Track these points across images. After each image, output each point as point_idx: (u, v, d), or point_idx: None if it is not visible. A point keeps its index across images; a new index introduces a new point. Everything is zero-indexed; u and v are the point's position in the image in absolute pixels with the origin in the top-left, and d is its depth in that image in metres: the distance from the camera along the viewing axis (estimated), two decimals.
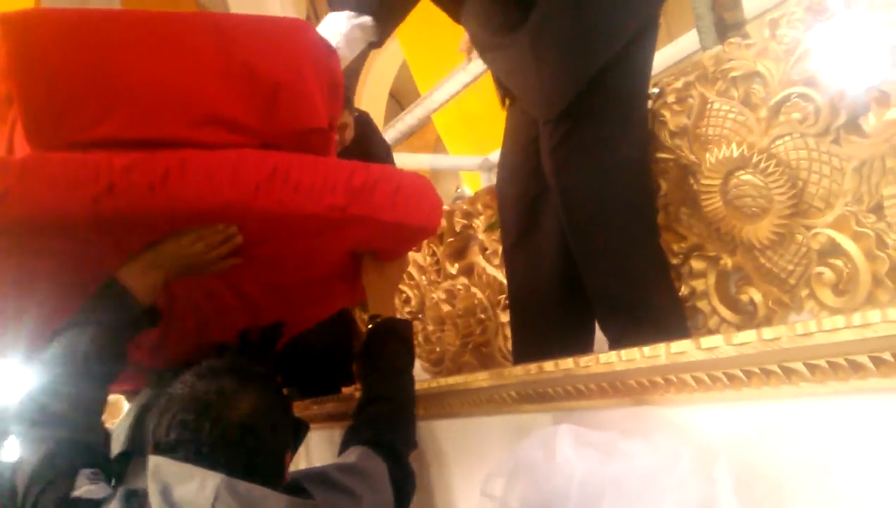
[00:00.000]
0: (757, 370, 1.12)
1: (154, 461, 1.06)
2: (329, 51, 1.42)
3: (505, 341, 1.92)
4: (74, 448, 1.17)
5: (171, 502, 1.01)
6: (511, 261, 1.72)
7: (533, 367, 1.42)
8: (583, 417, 1.39)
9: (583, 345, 1.60)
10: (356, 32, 1.51)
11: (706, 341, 1.13)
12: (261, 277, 1.52)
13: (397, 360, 1.50)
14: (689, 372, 1.19)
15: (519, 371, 1.47)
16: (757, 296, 1.42)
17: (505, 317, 1.91)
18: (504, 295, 1.91)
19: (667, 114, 1.51)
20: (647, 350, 1.21)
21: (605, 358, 1.28)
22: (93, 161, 1.16)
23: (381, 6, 1.53)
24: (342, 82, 1.44)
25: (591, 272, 1.52)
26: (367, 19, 1.51)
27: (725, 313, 1.47)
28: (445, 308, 2.06)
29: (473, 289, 1.99)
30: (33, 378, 1.22)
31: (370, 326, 1.55)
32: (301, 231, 1.36)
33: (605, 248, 1.49)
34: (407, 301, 2.20)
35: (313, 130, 1.35)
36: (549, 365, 1.38)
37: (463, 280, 2.02)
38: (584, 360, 1.32)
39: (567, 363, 1.34)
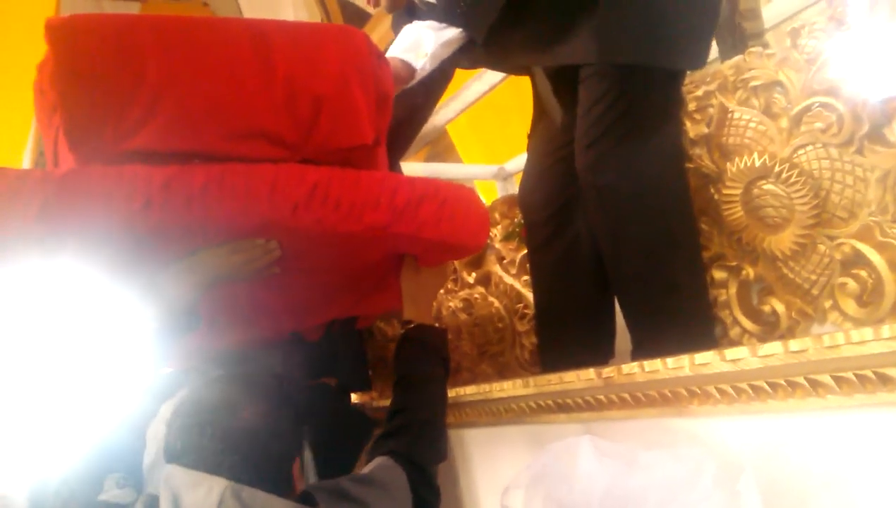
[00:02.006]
0: (783, 382, 1.11)
1: (167, 469, 1.09)
2: (379, 61, 1.37)
3: (522, 350, 1.90)
4: (106, 452, 1.18)
5: None
6: (536, 267, 1.70)
7: (553, 378, 1.41)
8: (604, 428, 1.37)
9: (605, 351, 1.58)
10: (442, 50, 1.47)
11: (731, 352, 1.12)
12: (301, 283, 1.49)
13: (427, 368, 1.46)
14: (713, 383, 1.18)
15: (540, 381, 1.45)
16: (779, 307, 1.39)
17: (522, 327, 1.90)
18: (521, 304, 1.90)
19: (687, 123, 1.50)
20: (670, 361, 1.19)
21: (628, 369, 1.26)
22: (130, 176, 1.15)
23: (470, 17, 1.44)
24: (391, 94, 1.38)
25: (623, 275, 1.49)
26: (454, 32, 1.45)
27: (747, 324, 1.45)
28: (462, 317, 2.05)
29: (490, 299, 1.98)
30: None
31: (402, 332, 1.52)
32: (342, 246, 1.33)
33: (641, 249, 1.45)
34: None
35: (357, 147, 1.30)
36: (570, 376, 1.37)
37: (480, 289, 2.01)
38: (606, 371, 1.30)
39: (588, 373, 1.33)
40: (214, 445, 1.08)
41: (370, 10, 1.82)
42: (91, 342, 1.24)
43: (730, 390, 1.17)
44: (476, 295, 2.00)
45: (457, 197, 1.39)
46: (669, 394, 1.25)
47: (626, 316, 1.51)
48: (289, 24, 1.44)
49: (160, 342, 1.26)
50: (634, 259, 1.48)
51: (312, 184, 1.22)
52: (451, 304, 2.08)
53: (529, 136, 1.73)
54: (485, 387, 1.63)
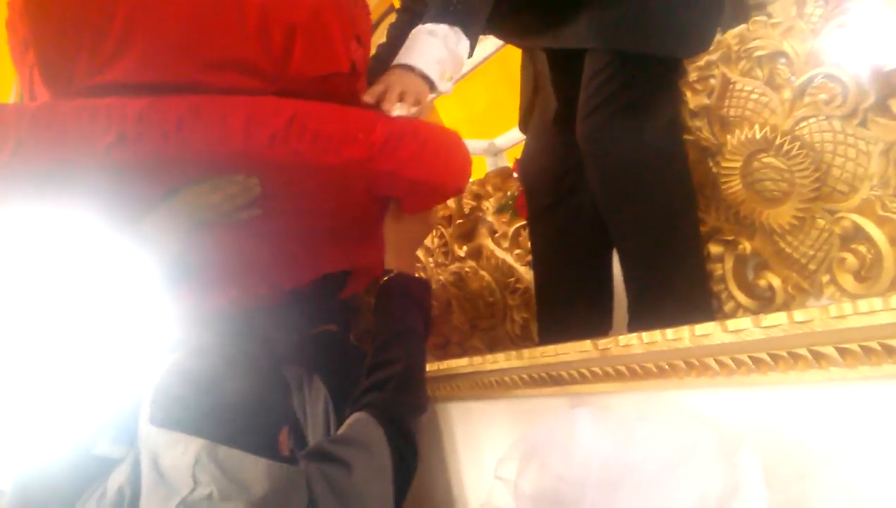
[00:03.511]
0: (784, 353, 1.08)
1: (147, 429, 1.09)
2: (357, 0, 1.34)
3: (513, 325, 1.87)
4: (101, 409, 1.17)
5: (159, 469, 1.05)
6: (536, 236, 1.68)
7: (548, 349, 1.38)
8: (597, 401, 1.35)
9: (603, 323, 1.56)
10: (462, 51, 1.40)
11: (733, 323, 1.09)
12: (289, 227, 1.45)
13: (406, 320, 1.40)
14: (712, 355, 1.15)
15: (534, 353, 1.42)
16: (776, 282, 1.37)
17: (513, 301, 1.87)
18: (513, 278, 1.87)
19: (687, 93, 1.46)
20: (669, 332, 1.16)
21: (625, 341, 1.23)
22: (105, 109, 1.12)
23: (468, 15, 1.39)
24: (369, 28, 1.36)
25: (623, 246, 1.48)
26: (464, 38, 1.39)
27: (742, 298, 1.43)
28: (452, 290, 2.02)
29: (482, 272, 1.94)
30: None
31: (382, 281, 1.46)
32: (322, 184, 1.30)
33: (639, 220, 1.44)
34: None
35: (334, 75, 1.26)
36: (565, 348, 1.34)
37: (471, 263, 1.97)
38: (602, 343, 1.27)
39: (585, 345, 1.30)
40: (197, 415, 1.08)
41: None
42: (78, 293, 1.20)
43: (729, 362, 1.14)
44: (467, 269, 1.97)
45: (439, 136, 1.37)
46: (667, 366, 1.23)
47: (626, 287, 1.49)
48: None
49: (153, 293, 1.22)
50: (633, 229, 1.47)
51: (289, 116, 1.19)
52: (442, 278, 2.04)
53: (527, 110, 1.69)
54: (477, 359, 1.60)
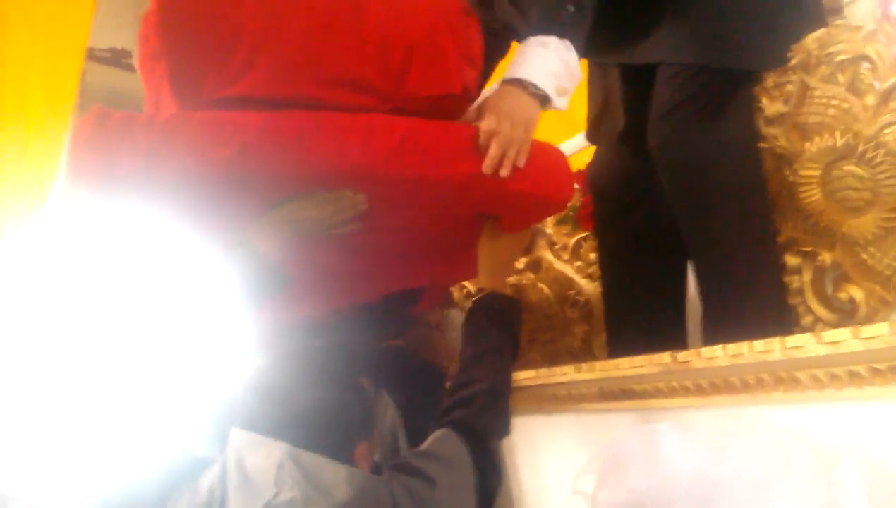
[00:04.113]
0: (883, 367, 1.03)
1: (233, 432, 1.13)
2: (468, 19, 1.33)
3: (573, 339, 1.83)
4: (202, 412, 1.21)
5: (244, 472, 1.07)
6: (605, 246, 1.65)
7: (622, 362, 1.33)
8: (675, 417, 1.30)
9: (676, 335, 1.51)
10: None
11: (829, 335, 1.04)
12: (386, 242, 1.46)
13: (494, 340, 1.38)
14: (805, 369, 1.10)
15: (606, 366, 1.38)
16: (857, 294, 1.31)
17: (573, 314, 1.83)
18: (573, 291, 1.83)
19: (763, 99, 1.42)
20: (758, 344, 1.12)
21: (708, 353, 1.19)
22: (229, 121, 1.16)
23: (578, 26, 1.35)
24: (481, 51, 1.34)
25: (697, 255, 1.44)
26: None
27: (821, 312, 1.37)
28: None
29: (540, 285, 1.91)
30: None
31: (473, 300, 1.44)
32: (428, 201, 1.31)
33: (714, 227, 1.40)
34: (468, 296, 2.12)
35: (446, 96, 1.27)
36: (640, 360, 1.29)
37: (529, 275, 1.94)
38: (682, 355, 1.23)
39: (663, 358, 1.25)
40: (279, 421, 1.11)
41: None
42: (179, 297, 1.21)
43: (822, 376, 1.09)
44: (525, 281, 1.93)
45: (542, 149, 1.35)
46: (752, 381, 1.18)
47: (701, 298, 1.44)
48: None
49: (249, 302, 1.22)
50: (706, 238, 1.43)
51: (403, 132, 1.21)
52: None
53: (596, 121, 1.66)
54: (544, 371, 1.56)
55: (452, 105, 1.29)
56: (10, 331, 2.16)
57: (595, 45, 1.39)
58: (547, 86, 1.30)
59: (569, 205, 1.78)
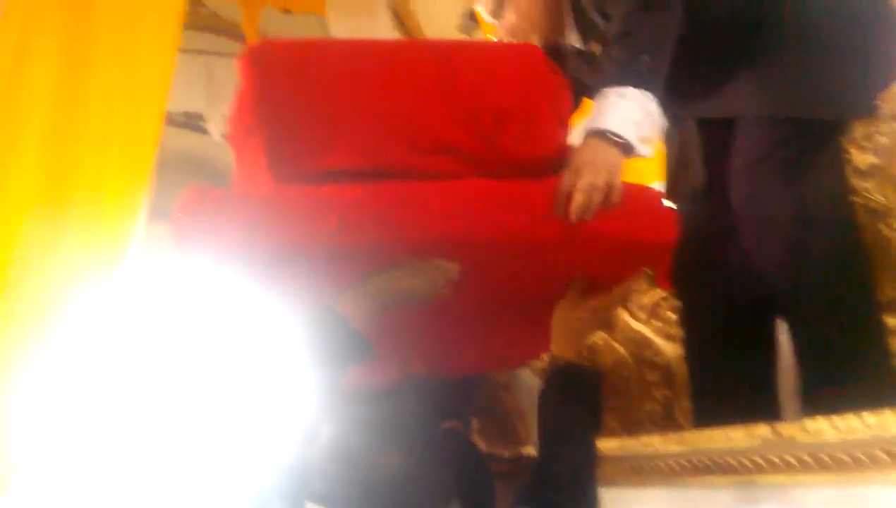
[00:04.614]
0: None
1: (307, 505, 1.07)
2: (558, 78, 1.31)
3: (653, 404, 1.73)
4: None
5: None
6: (687, 305, 1.57)
7: (717, 434, 1.23)
8: (776, 494, 1.19)
9: (768, 402, 1.41)
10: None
11: None
12: (473, 309, 1.40)
13: (574, 416, 1.27)
14: None
15: (699, 438, 1.28)
16: None
17: (652, 377, 1.73)
18: (651, 352, 1.74)
19: (853, 151, 1.34)
20: (872, 419, 1.01)
21: (814, 426, 1.08)
22: (326, 196, 1.16)
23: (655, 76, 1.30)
24: (570, 109, 1.32)
25: (791, 317, 1.36)
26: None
27: None
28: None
29: (615, 345, 1.81)
30: None
31: (549, 372, 1.34)
32: (524, 258, 1.25)
33: (806, 287, 1.32)
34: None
35: (539, 159, 1.24)
36: (737, 432, 1.20)
37: (603, 335, 1.85)
38: (784, 427, 1.13)
39: (762, 430, 1.15)
40: (357, 493, 1.07)
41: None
42: (264, 366, 1.20)
43: None
44: (599, 341, 1.84)
45: (637, 192, 1.28)
46: (864, 457, 1.07)
47: (798, 363, 1.35)
48: (470, 43, 1.49)
49: (332, 371, 1.18)
50: (799, 299, 1.34)
51: (497, 195, 1.19)
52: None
53: (674, 177, 1.59)
54: (629, 441, 1.46)
55: (544, 166, 1.25)
56: (87, 394, 2.17)
57: (670, 97, 1.33)
58: (629, 134, 1.24)
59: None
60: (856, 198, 1.35)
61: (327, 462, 1.10)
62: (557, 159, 1.25)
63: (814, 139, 1.35)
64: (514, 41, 1.54)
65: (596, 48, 1.53)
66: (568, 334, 1.33)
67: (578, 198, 1.17)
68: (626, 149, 1.24)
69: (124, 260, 2.31)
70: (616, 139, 1.23)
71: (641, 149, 1.26)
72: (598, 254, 1.26)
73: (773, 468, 1.19)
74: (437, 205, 1.17)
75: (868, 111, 1.33)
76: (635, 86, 1.26)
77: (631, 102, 1.26)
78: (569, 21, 1.54)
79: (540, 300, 1.35)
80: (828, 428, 1.07)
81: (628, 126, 1.24)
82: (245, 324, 1.31)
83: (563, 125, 1.29)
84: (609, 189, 1.19)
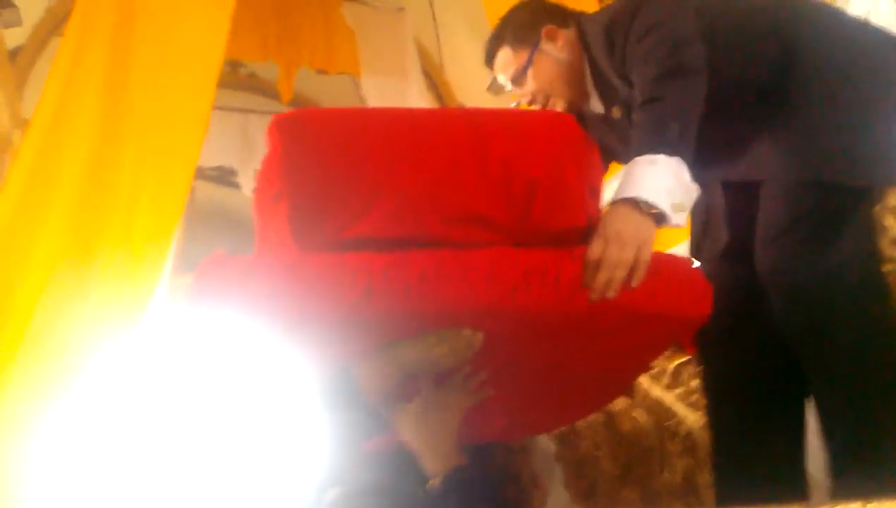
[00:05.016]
0: None
1: None
2: (590, 148, 1.30)
3: (673, 474, 1.63)
4: None
5: None
6: (710, 374, 1.49)
7: None
8: None
9: (796, 481, 1.33)
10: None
11: None
12: (501, 381, 1.35)
13: None
14: None
15: None
16: None
17: (673, 447, 1.64)
18: (673, 421, 1.65)
19: (888, 219, 1.26)
20: None
21: None
22: (352, 264, 1.13)
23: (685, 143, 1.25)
24: (602, 177, 1.31)
25: (818, 390, 1.29)
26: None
27: None
28: (602, 431, 1.80)
29: (635, 412, 1.72)
30: None
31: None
32: (555, 330, 1.22)
33: (834, 360, 1.25)
34: None
35: (571, 230, 1.22)
36: None
37: (623, 401, 1.75)
38: None
39: None
40: None
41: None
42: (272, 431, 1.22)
43: None
44: (618, 408, 1.75)
45: (671, 264, 1.25)
46: None
47: (824, 441, 1.28)
48: (502, 112, 1.47)
49: (344, 442, 1.14)
50: (827, 372, 1.27)
51: (528, 265, 1.15)
52: (590, 416, 1.83)
53: (699, 239, 1.53)
54: None
55: (575, 235, 1.22)
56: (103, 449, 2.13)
57: (696, 159, 1.28)
58: (661, 202, 1.18)
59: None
60: (891, 267, 1.27)
61: None
62: (588, 228, 1.22)
63: (844, 206, 1.29)
64: (537, 107, 1.52)
65: (617, 113, 1.50)
66: (434, 440, 1.24)
67: (602, 276, 1.14)
68: (659, 218, 1.19)
69: (147, 313, 2.30)
70: (648, 209, 1.18)
71: (675, 218, 1.20)
72: (631, 327, 1.23)
73: None
74: (465, 274, 1.13)
75: None
76: (666, 153, 1.21)
77: (663, 169, 1.20)
78: (590, 86, 1.51)
79: (569, 370, 1.32)
80: None
81: (660, 194, 1.18)
82: (260, 387, 1.28)
83: (595, 193, 1.27)
84: (636, 263, 1.14)
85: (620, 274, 1.13)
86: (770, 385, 1.37)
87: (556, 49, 1.49)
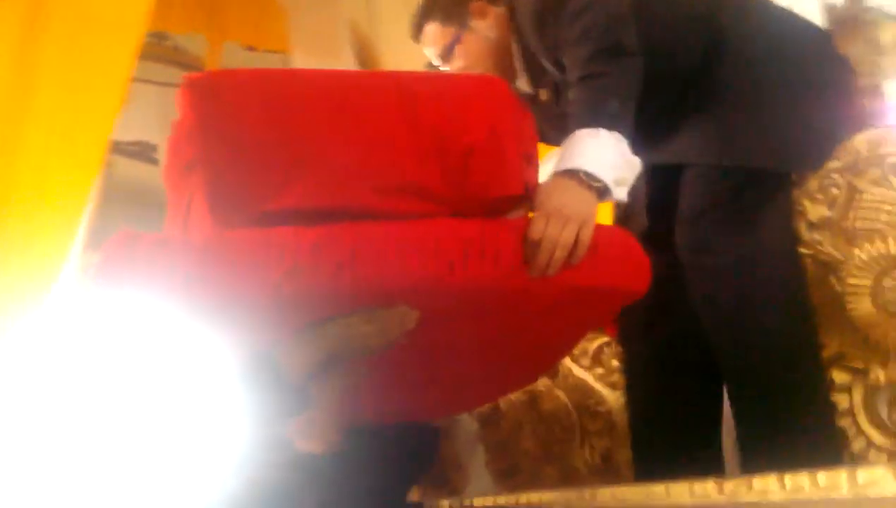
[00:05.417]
0: None
1: None
2: (523, 113, 1.24)
3: (592, 453, 1.65)
4: None
5: None
6: (630, 356, 1.50)
7: (658, 490, 1.14)
8: None
9: (711, 458, 1.36)
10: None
11: None
12: (430, 359, 1.31)
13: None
14: None
15: (636, 493, 1.19)
16: None
17: (593, 426, 1.65)
18: (593, 400, 1.66)
19: (806, 203, 1.29)
20: (822, 477, 0.93)
21: (761, 485, 1.00)
22: (278, 240, 1.04)
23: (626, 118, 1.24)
24: (536, 146, 1.25)
25: (731, 371, 1.30)
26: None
27: (875, 436, 1.21)
28: (524, 410, 1.79)
29: (557, 392, 1.73)
30: None
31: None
32: (491, 306, 1.17)
33: (749, 341, 1.26)
34: None
35: (508, 198, 1.17)
36: (679, 489, 1.10)
37: (546, 381, 1.76)
38: (729, 485, 1.04)
39: (706, 487, 1.06)
40: None
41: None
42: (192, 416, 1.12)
43: None
44: (541, 388, 1.75)
45: (609, 237, 1.21)
46: None
47: (735, 419, 1.30)
48: (432, 76, 1.41)
49: (266, 422, 1.08)
50: (741, 353, 1.29)
51: (468, 239, 1.09)
52: (513, 397, 1.82)
53: (621, 223, 1.53)
54: (566, 493, 1.35)
55: (511, 205, 1.19)
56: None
57: None
58: (605, 175, 1.16)
59: None
60: (806, 251, 1.29)
61: (253, 497, 1.04)
62: (525, 196, 1.18)
63: (763, 190, 1.31)
64: None
65: (544, 95, 1.48)
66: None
67: (543, 255, 1.11)
68: (602, 192, 1.17)
69: (53, 289, 2.17)
70: (591, 182, 1.16)
71: (617, 192, 1.19)
72: (570, 302, 1.20)
73: None
74: (400, 249, 1.07)
75: (819, 163, 1.29)
76: (607, 127, 1.19)
77: (605, 142, 1.18)
78: (518, 65, 1.49)
79: (503, 346, 1.29)
80: (776, 488, 0.98)
81: (604, 167, 1.16)
82: (172, 369, 1.20)
83: (531, 161, 1.22)
84: (577, 242, 1.12)
85: (561, 253, 1.11)
86: (688, 368, 1.39)
87: (485, 26, 1.47)
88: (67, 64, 2.26)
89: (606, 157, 1.18)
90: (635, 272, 1.21)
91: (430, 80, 1.29)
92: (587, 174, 1.15)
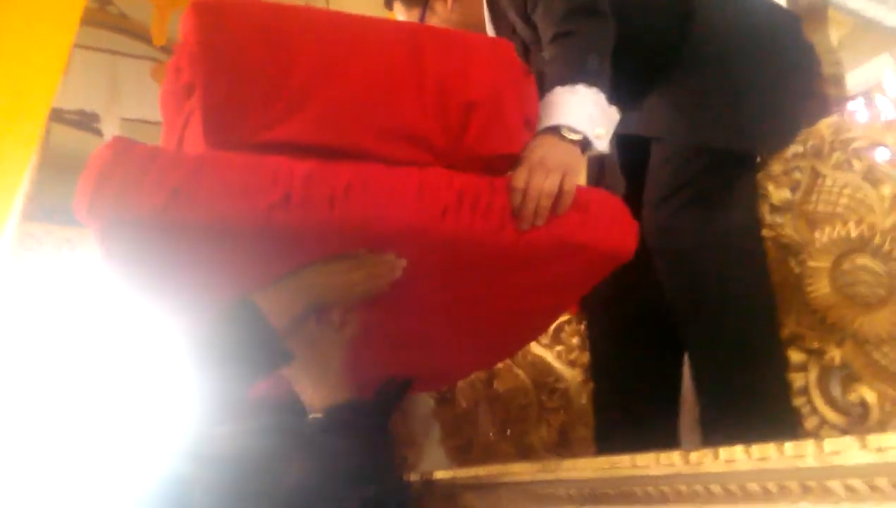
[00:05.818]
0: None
1: None
2: (528, 78, 1.23)
3: (548, 430, 1.65)
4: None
5: None
6: (594, 332, 1.51)
7: (623, 460, 1.14)
8: None
9: (668, 431, 1.37)
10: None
11: (875, 440, 0.88)
12: (420, 315, 1.28)
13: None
14: (840, 477, 0.93)
15: (601, 464, 1.19)
16: (870, 396, 1.18)
17: (551, 403, 1.65)
18: (551, 378, 1.66)
19: (769, 186, 1.31)
20: (788, 447, 0.95)
21: (727, 455, 1.01)
22: (272, 166, 1.00)
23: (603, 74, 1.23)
24: (537, 109, 1.22)
25: (693, 347, 1.32)
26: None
27: (828, 413, 1.24)
28: (482, 388, 1.78)
29: (516, 370, 1.72)
30: None
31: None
32: (479, 259, 1.15)
33: (712, 319, 1.28)
34: None
35: (504, 156, 1.15)
36: (644, 459, 1.11)
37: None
38: (695, 456, 1.05)
39: (671, 458, 1.07)
40: (255, 503, 0.96)
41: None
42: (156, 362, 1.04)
43: (861, 486, 0.92)
44: (500, 366, 1.74)
45: (600, 198, 1.21)
46: (775, 489, 1.00)
47: (697, 393, 1.32)
48: (441, 30, 1.39)
49: (239, 376, 1.02)
50: (704, 330, 1.31)
51: (461, 190, 1.08)
52: (471, 375, 1.81)
53: None
54: (527, 467, 1.34)
55: (507, 165, 1.16)
56: None
57: None
58: (585, 128, 1.17)
59: None
60: (768, 233, 1.31)
61: (217, 473, 0.97)
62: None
63: (729, 171, 1.32)
64: None
65: None
66: (320, 372, 1.15)
67: (528, 204, 1.09)
68: (583, 144, 1.18)
69: None
70: (572, 135, 1.16)
71: (597, 143, 1.19)
72: (557, 260, 1.18)
73: (679, 498, 1.11)
74: (395, 189, 1.05)
75: (782, 146, 1.31)
76: (586, 83, 1.19)
77: (584, 98, 1.19)
78: (489, 29, 1.49)
79: (487, 307, 1.27)
80: (742, 458, 0.99)
81: (583, 120, 1.17)
82: (142, 311, 1.15)
83: (530, 125, 1.21)
84: (561, 191, 1.11)
85: (546, 202, 1.10)
86: (651, 344, 1.40)
87: (445, 10, 1.48)
88: (5, 29, 2.15)
89: (586, 111, 1.18)
90: (623, 234, 1.20)
91: (439, 34, 1.29)
92: (568, 128, 1.16)
